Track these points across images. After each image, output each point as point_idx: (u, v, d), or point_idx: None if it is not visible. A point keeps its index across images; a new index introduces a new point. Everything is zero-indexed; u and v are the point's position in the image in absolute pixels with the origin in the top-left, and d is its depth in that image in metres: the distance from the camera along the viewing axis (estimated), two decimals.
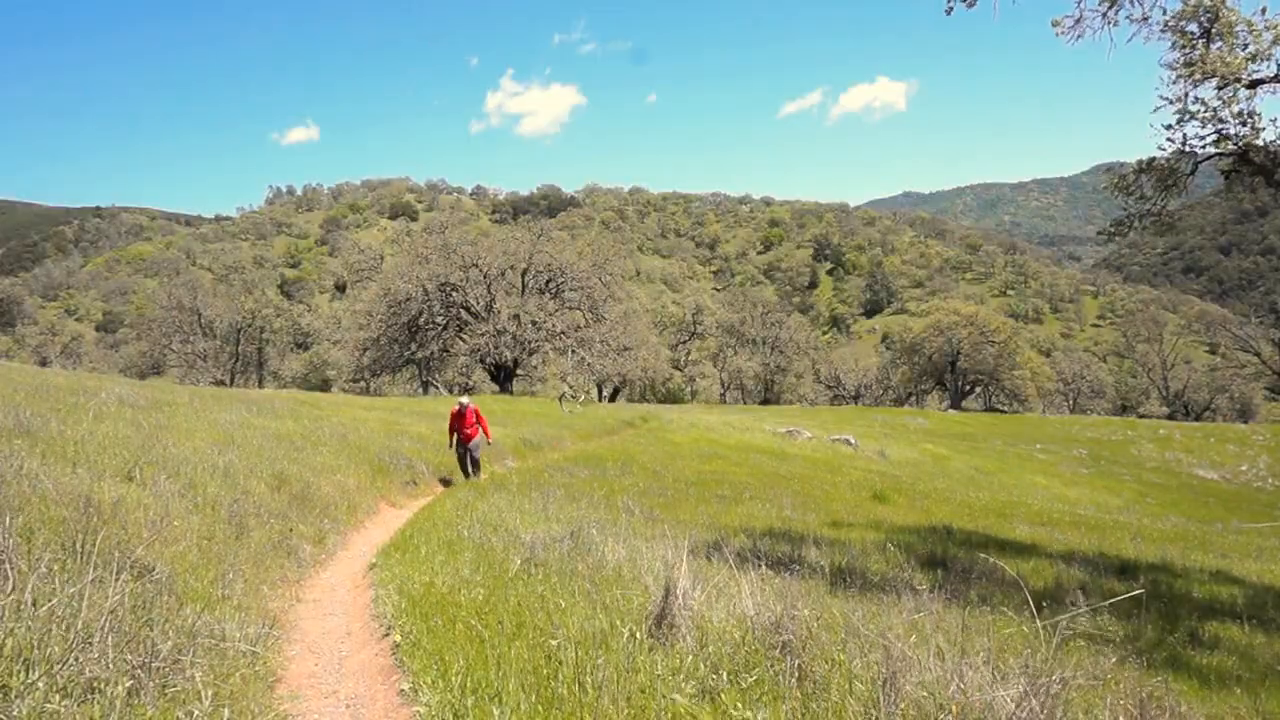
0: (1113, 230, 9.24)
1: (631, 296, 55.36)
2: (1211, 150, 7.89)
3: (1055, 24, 7.70)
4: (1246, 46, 7.14)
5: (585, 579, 4.20)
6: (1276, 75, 7.18)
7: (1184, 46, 7.35)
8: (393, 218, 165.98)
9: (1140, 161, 8.41)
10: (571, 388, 34.64)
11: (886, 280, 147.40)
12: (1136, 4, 7.48)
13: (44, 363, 55.00)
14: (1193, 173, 8.19)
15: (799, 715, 2.49)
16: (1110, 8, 7.48)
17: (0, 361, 23.60)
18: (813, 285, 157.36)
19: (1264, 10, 7.11)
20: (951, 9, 7.72)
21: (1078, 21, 7.58)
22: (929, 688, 2.47)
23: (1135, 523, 16.26)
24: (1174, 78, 7.43)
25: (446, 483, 11.87)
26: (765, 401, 60.80)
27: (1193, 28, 7.33)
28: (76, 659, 2.01)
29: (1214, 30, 7.22)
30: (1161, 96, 7.58)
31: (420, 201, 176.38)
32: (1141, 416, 55.93)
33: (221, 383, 44.25)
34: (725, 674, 2.69)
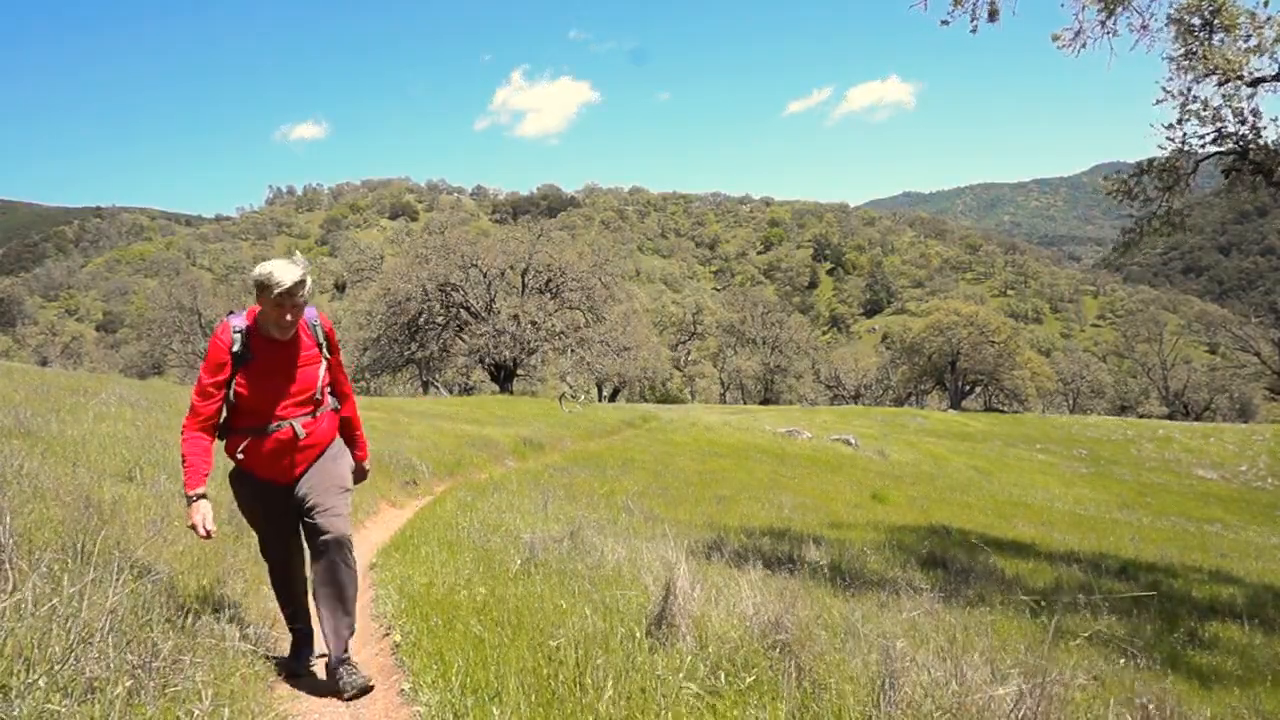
0: (1125, 241, 9.22)
1: (631, 296, 55.30)
2: (1212, 149, 7.90)
3: (1055, 38, 7.71)
4: (1249, 39, 7.14)
5: (585, 579, 4.20)
6: (1278, 74, 7.19)
7: (1186, 39, 7.35)
8: (393, 218, 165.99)
9: (1141, 163, 8.41)
10: (571, 388, 34.67)
11: (886, 280, 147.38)
12: (1135, 13, 7.50)
13: (44, 363, 55.01)
14: (1194, 171, 8.19)
15: (798, 716, 2.50)
16: (1109, 18, 7.48)
17: (0, 361, 23.62)
18: (813, 285, 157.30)
19: (1265, 2, 7.12)
20: (976, 27, 7.72)
21: (1077, 34, 7.59)
22: (927, 688, 2.48)
23: (1135, 523, 16.28)
24: (1175, 71, 7.43)
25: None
26: (765, 401, 60.81)
27: (1195, 20, 7.34)
28: (77, 659, 2.01)
29: (1216, 23, 7.22)
30: (1164, 89, 7.58)
31: (420, 201, 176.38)
32: (1141, 416, 55.92)
33: None
34: (724, 674, 2.69)
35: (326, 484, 3.08)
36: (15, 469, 4.17)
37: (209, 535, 2.80)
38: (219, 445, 3.05)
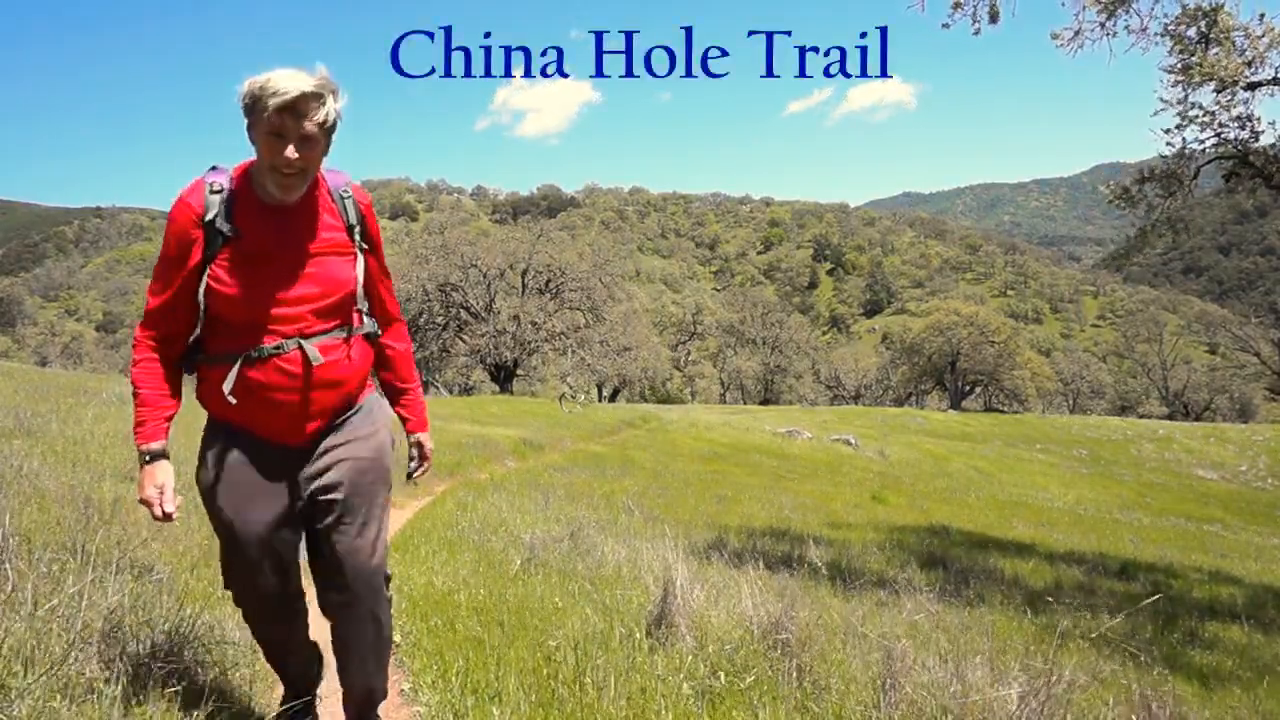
0: (1128, 247, 9.25)
1: (631, 297, 55.36)
2: (1212, 154, 7.91)
3: (1055, 36, 7.73)
4: (1244, 53, 7.16)
5: (585, 579, 4.20)
6: (1274, 78, 7.20)
7: (1182, 52, 7.37)
8: (393, 218, 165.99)
9: (1141, 171, 8.42)
10: (571, 388, 34.67)
11: (886, 280, 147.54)
12: (1135, 15, 7.52)
13: (44, 363, 55.00)
14: (1195, 177, 8.21)
15: (798, 716, 2.50)
16: (1109, 19, 7.51)
17: (0, 361, 23.63)
18: (813, 285, 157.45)
19: (1262, 16, 7.13)
20: (979, 29, 7.73)
21: (1076, 34, 7.62)
22: (929, 689, 2.48)
23: (1135, 523, 16.28)
24: (1172, 82, 7.45)
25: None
26: (765, 401, 60.82)
27: (1191, 33, 7.36)
28: (76, 659, 2.01)
29: (1212, 36, 7.24)
30: (1161, 99, 7.61)
31: (420, 202, 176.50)
32: (1141, 417, 55.96)
33: None
34: (724, 674, 2.69)
35: (362, 479, 1.96)
36: (15, 469, 4.17)
37: (168, 517, 1.83)
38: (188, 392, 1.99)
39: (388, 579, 2.08)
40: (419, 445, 2.19)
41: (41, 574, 2.41)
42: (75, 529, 3.07)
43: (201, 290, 1.84)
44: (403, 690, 2.84)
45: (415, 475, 2.18)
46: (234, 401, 1.84)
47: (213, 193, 1.83)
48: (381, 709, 2.26)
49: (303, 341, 1.86)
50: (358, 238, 2.00)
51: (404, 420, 2.20)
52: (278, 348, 1.85)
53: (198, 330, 1.91)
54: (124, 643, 2.21)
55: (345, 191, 1.99)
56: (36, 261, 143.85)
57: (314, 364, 1.86)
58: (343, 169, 2.05)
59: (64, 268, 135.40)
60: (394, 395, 2.20)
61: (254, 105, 1.74)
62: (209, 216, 1.82)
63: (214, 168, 1.90)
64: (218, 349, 1.89)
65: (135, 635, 2.31)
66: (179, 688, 2.17)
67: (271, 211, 1.86)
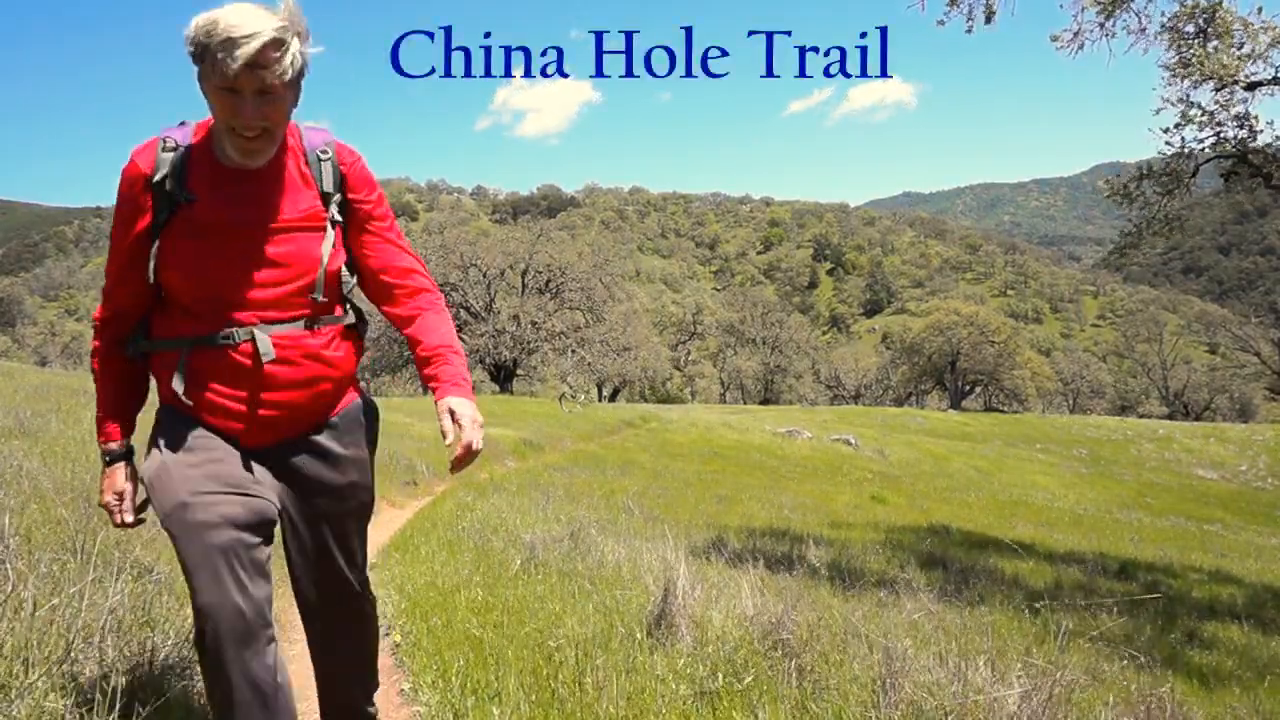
0: (1123, 244, 9.28)
1: (631, 296, 55.49)
2: (1210, 153, 7.93)
3: (1055, 39, 7.77)
4: (1243, 47, 7.18)
5: (585, 579, 4.20)
6: (1274, 78, 7.21)
7: (1180, 48, 7.39)
8: None
9: (1140, 167, 8.44)
10: (571, 388, 34.69)
11: (886, 280, 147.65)
12: (1133, 15, 7.55)
13: (44, 363, 55.04)
14: (1194, 175, 8.23)
15: (797, 716, 2.50)
16: (1108, 19, 7.53)
17: (0, 361, 23.63)
18: (813, 285, 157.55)
19: (1259, 10, 7.15)
20: (972, 28, 7.74)
21: (1076, 35, 7.65)
22: (929, 689, 2.47)
23: (1135, 523, 16.28)
24: (1171, 78, 7.47)
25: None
26: (765, 401, 60.84)
27: (1189, 29, 7.38)
28: (76, 659, 2.01)
29: (1210, 31, 7.26)
30: (1163, 98, 7.63)
31: (420, 201, 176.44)
32: (1141, 416, 55.99)
33: None
34: (724, 675, 2.69)
35: (337, 506, 1.76)
36: (15, 469, 4.18)
37: (127, 526, 1.67)
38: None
39: (370, 594, 1.93)
40: (450, 413, 1.62)
41: (41, 574, 2.41)
42: (75, 529, 3.07)
43: (151, 264, 1.57)
44: (402, 690, 2.84)
45: (454, 464, 1.62)
46: (189, 403, 1.58)
47: (166, 150, 1.56)
48: (381, 709, 2.25)
49: (256, 331, 1.56)
50: (334, 209, 1.66)
51: (432, 390, 1.71)
52: (227, 337, 1.56)
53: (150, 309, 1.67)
54: (124, 643, 2.22)
55: (324, 152, 1.67)
56: (36, 261, 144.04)
57: (264, 360, 1.56)
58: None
59: (64, 268, 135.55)
60: (422, 369, 1.76)
61: (200, 54, 1.43)
62: (157, 177, 1.54)
63: (182, 123, 1.63)
64: (162, 332, 1.64)
65: (135, 635, 2.31)
66: (179, 688, 2.17)
67: (231, 176, 1.58)
